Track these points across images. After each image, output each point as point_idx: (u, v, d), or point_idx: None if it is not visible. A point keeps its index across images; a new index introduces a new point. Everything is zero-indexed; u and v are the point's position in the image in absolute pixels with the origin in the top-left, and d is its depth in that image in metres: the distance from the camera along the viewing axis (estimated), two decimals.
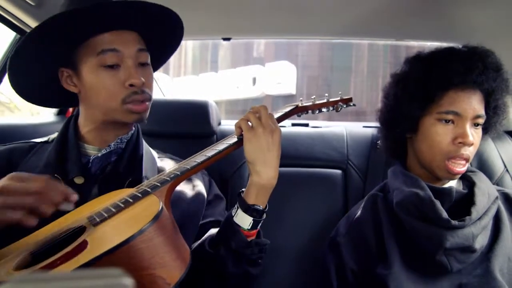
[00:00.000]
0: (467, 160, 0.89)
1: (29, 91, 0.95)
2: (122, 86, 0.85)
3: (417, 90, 0.91)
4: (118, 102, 0.86)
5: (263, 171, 0.83)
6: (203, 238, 0.92)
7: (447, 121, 0.89)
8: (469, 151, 0.89)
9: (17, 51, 0.85)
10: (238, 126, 0.87)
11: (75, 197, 0.70)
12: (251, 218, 0.83)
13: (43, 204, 0.65)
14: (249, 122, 0.86)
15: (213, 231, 0.92)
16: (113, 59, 0.84)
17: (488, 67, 0.89)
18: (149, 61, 0.92)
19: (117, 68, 0.85)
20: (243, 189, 0.88)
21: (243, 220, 0.83)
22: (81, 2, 0.84)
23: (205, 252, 0.87)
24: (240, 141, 0.86)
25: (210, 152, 0.84)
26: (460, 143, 0.87)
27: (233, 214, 0.84)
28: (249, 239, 0.83)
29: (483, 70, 0.88)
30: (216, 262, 0.84)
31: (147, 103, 0.89)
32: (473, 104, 0.89)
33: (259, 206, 0.84)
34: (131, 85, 0.85)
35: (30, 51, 0.86)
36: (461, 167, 0.89)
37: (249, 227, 0.83)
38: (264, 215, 0.86)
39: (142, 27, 0.89)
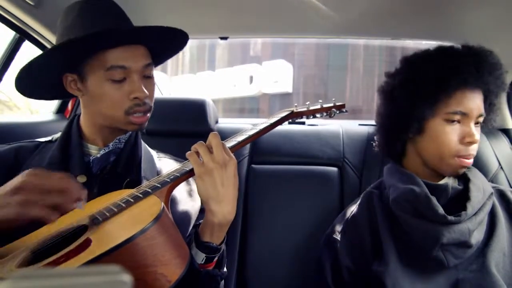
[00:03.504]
0: (472, 157, 0.92)
1: (32, 91, 0.98)
2: (127, 98, 0.87)
3: (429, 91, 0.91)
4: (121, 113, 0.88)
5: (218, 210, 0.76)
6: None
7: (453, 121, 0.90)
8: (474, 149, 0.92)
9: (30, 64, 0.87)
10: (189, 155, 0.79)
11: (85, 194, 0.69)
12: (204, 255, 0.79)
13: (64, 202, 0.65)
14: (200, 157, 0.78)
15: None
16: (120, 75, 0.86)
17: (495, 69, 0.92)
18: (153, 73, 0.94)
19: (123, 81, 0.87)
20: (200, 221, 0.83)
21: (197, 254, 0.79)
22: (93, 19, 0.87)
23: None
24: (238, 144, 0.85)
25: None
26: (468, 142, 0.89)
27: (190, 244, 0.80)
28: (201, 269, 0.80)
29: (491, 72, 0.91)
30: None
31: (148, 114, 0.92)
32: (477, 103, 0.91)
33: (213, 244, 0.79)
34: (135, 98, 0.87)
35: (40, 62, 0.88)
36: (468, 160, 0.92)
37: (203, 262, 0.79)
38: (221, 249, 0.81)
39: (150, 42, 0.91)
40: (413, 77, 0.94)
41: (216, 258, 0.81)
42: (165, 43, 0.96)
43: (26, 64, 0.87)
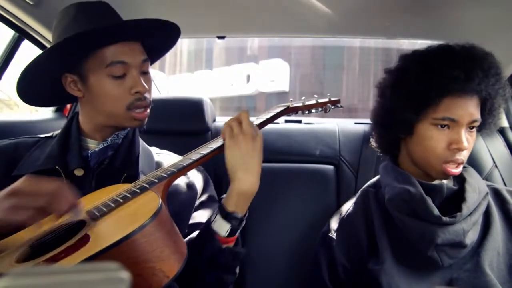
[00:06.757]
0: (461, 163, 0.90)
1: (31, 95, 0.98)
2: (128, 93, 0.89)
3: (414, 95, 0.89)
4: (123, 108, 0.90)
5: (244, 178, 0.82)
6: (185, 240, 0.91)
7: (442, 126, 0.88)
8: (463, 155, 0.89)
9: (29, 68, 0.88)
10: (223, 132, 0.87)
11: (77, 199, 0.68)
12: (229, 225, 0.82)
13: (54, 204, 0.64)
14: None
15: (195, 234, 0.92)
16: (121, 70, 0.88)
17: (488, 74, 0.87)
18: (149, 69, 0.96)
19: (123, 77, 0.89)
20: (223, 195, 0.86)
21: (221, 226, 0.82)
22: (90, 19, 0.88)
23: None
24: (262, 123, 0.90)
25: (205, 150, 0.86)
26: (454, 148, 0.87)
27: (211, 220, 0.84)
28: (224, 246, 0.82)
29: (483, 78, 0.87)
30: (190, 266, 0.82)
31: (148, 110, 0.94)
32: (469, 110, 0.87)
33: (238, 214, 0.82)
34: (136, 92, 0.89)
35: (40, 63, 0.88)
36: (456, 168, 0.89)
37: (226, 234, 0.82)
38: (244, 223, 0.85)
39: (145, 37, 0.93)
40: (403, 78, 0.93)
41: (237, 233, 0.84)
42: (161, 38, 0.98)
43: (25, 68, 0.88)
